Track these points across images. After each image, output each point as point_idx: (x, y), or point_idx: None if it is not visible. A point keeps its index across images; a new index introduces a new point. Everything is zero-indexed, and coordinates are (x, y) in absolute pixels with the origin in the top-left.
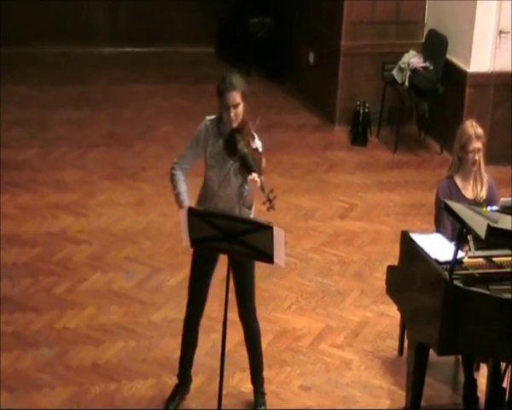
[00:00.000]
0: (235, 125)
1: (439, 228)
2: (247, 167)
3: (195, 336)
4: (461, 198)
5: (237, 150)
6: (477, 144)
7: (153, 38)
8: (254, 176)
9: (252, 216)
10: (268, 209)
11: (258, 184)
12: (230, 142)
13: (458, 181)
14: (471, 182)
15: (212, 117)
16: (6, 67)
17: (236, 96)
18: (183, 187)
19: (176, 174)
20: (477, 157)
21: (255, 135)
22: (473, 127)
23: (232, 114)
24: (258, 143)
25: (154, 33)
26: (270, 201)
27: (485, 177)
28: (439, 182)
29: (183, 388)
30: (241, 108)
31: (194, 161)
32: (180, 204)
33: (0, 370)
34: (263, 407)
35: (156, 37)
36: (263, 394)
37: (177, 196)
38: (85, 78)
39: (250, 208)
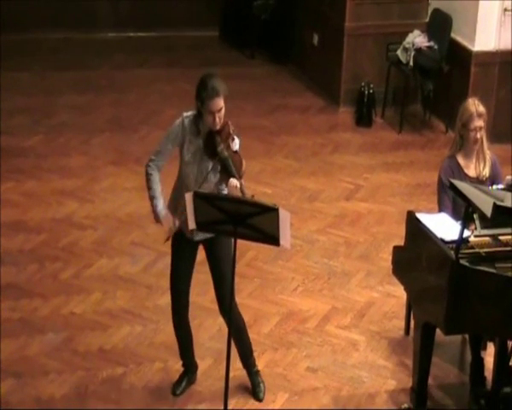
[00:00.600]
0: (218, 128)
1: (440, 208)
2: (227, 172)
3: (187, 326)
4: (463, 177)
5: (217, 153)
6: (478, 122)
7: (156, 22)
8: (234, 181)
9: None
10: None
11: (238, 188)
12: (210, 144)
13: (460, 160)
14: (473, 160)
15: (189, 113)
16: (8, 53)
17: (220, 102)
18: (157, 190)
19: (152, 174)
20: (478, 135)
21: (234, 135)
22: (474, 105)
23: (217, 118)
24: (236, 142)
25: (157, 17)
26: None
27: (488, 154)
28: (441, 162)
29: (190, 374)
30: (223, 111)
31: (169, 157)
32: (154, 208)
33: (7, 356)
34: (261, 385)
35: (159, 21)
36: (257, 372)
37: (152, 199)
38: (88, 63)
39: None
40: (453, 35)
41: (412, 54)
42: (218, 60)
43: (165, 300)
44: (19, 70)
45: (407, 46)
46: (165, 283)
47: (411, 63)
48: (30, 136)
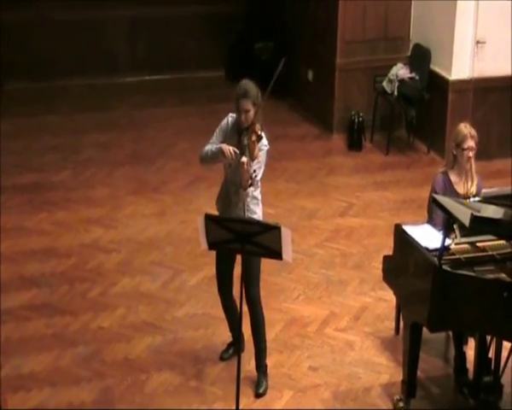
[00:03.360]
0: (245, 126)
1: (431, 216)
2: (241, 153)
3: (231, 305)
4: (453, 192)
5: (241, 141)
6: (471, 143)
7: (169, 65)
8: (244, 158)
9: (255, 203)
10: (249, 185)
11: (245, 165)
12: (240, 137)
13: (452, 177)
14: (463, 179)
15: (234, 114)
16: (39, 99)
17: (247, 104)
18: (209, 146)
19: (202, 149)
20: (471, 154)
21: (261, 134)
22: (467, 128)
23: (243, 117)
24: (263, 141)
25: (170, 61)
26: (251, 178)
27: (476, 176)
28: (434, 176)
29: (237, 344)
30: (251, 113)
31: None
32: (217, 153)
33: (43, 368)
34: (264, 385)
35: (172, 64)
36: (265, 375)
37: (211, 151)
38: (110, 105)
39: (245, 189)
40: (432, 66)
41: (396, 84)
42: (225, 97)
43: (182, 312)
44: (49, 113)
45: (392, 78)
46: (182, 297)
47: (396, 93)
48: (59, 171)
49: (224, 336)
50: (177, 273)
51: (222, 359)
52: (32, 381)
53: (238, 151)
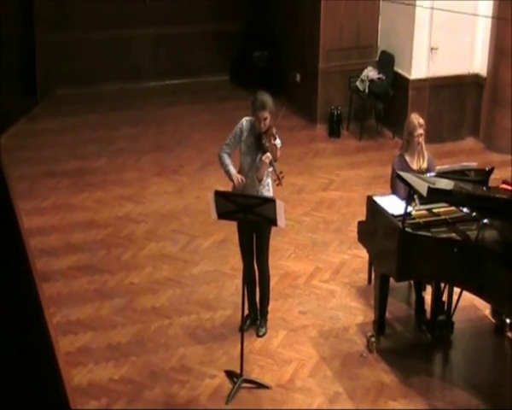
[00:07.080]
0: (263, 130)
1: (394, 190)
2: (265, 152)
3: (251, 280)
4: (409, 169)
5: (262, 145)
6: (420, 131)
7: (184, 72)
8: (267, 155)
9: (267, 189)
10: (277, 185)
11: (268, 160)
12: (259, 140)
13: (407, 157)
14: (415, 158)
15: (248, 118)
16: (81, 101)
17: (265, 113)
18: (228, 162)
19: (222, 156)
20: (420, 140)
21: (276, 136)
22: (416, 118)
23: (262, 124)
24: (277, 141)
25: (185, 69)
26: (278, 178)
27: (426, 153)
28: (393, 158)
29: (253, 315)
30: (268, 120)
31: (235, 148)
32: (229, 175)
33: (87, 316)
34: (264, 329)
35: (187, 71)
36: (266, 320)
37: (226, 169)
38: (137, 105)
39: (260, 181)
40: (396, 68)
41: (367, 84)
42: (230, 97)
43: (197, 269)
44: (88, 112)
45: (363, 78)
46: (197, 257)
47: (367, 90)
48: (97, 159)
49: (231, 288)
50: (193, 239)
51: (241, 331)
52: (78, 326)
53: (245, 179)
